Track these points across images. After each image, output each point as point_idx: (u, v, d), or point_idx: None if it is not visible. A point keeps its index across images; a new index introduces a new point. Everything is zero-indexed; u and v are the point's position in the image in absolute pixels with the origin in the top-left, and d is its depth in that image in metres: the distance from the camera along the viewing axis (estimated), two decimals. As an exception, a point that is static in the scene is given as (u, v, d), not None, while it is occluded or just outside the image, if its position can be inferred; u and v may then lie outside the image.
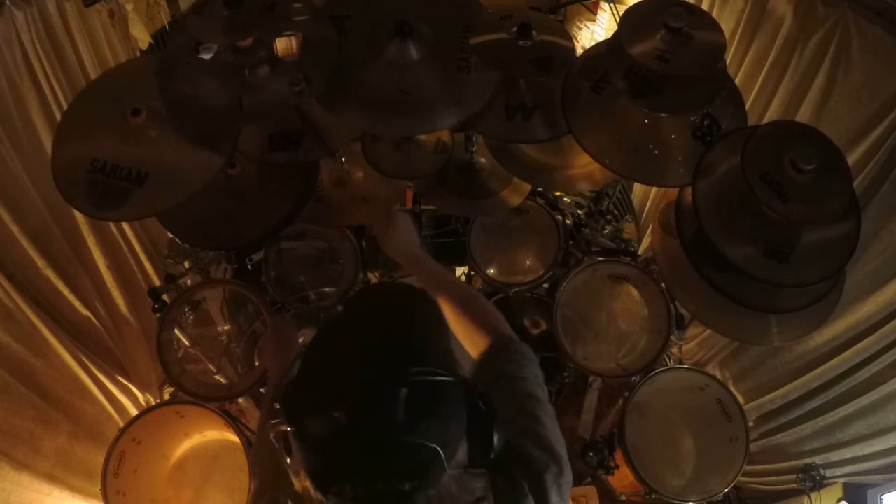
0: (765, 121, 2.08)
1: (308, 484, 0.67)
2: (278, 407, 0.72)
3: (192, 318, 2.26)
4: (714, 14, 2.17)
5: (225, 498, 2.31)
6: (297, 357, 0.78)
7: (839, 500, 2.15)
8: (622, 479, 2.32)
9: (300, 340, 1.45)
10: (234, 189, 1.81)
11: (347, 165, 2.14)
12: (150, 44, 2.54)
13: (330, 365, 0.69)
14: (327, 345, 0.73)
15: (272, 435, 0.73)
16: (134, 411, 2.64)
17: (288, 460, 0.75)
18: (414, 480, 0.64)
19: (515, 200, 2.17)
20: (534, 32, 1.62)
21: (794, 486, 2.29)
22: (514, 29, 1.62)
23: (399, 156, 2.03)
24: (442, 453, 0.64)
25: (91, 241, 2.37)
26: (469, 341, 1.02)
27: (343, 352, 0.70)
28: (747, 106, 1.77)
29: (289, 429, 0.67)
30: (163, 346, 2.04)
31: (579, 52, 1.73)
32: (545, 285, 2.50)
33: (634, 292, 2.33)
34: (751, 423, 2.25)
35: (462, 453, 0.69)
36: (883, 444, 2.02)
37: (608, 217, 2.59)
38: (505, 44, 1.63)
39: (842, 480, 2.18)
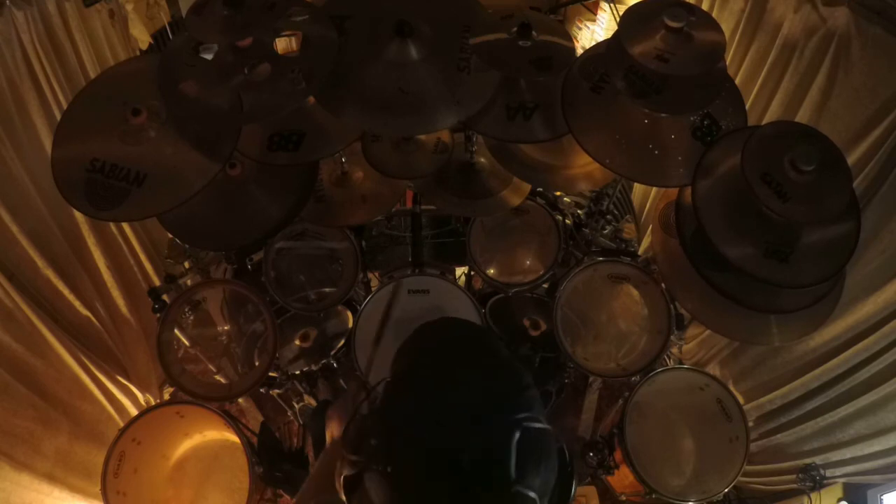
0: (765, 121, 2.08)
1: None
2: (356, 441, 0.68)
3: (192, 318, 2.25)
4: (714, 14, 2.17)
5: (225, 498, 2.31)
6: (378, 385, 0.73)
7: (839, 500, 2.15)
8: (622, 479, 2.32)
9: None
10: (235, 189, 1.81)
11: (347, 165, 2.14)
12: (150, 44, 2.54)
13: (434, 402, 0.64)
14: (427, 379, 0.68)
15: (341, 468, 0.68)
16: (134, 411, 2.64)
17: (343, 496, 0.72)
18: None
19: (515, 200, 2.17)
20: (534, 32, 1.62)
21: (794, 486, 2.29)
22: (514, 29, 1.62)
23: (399, 156, 2.02)
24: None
25: (91, 241, 2.37)
26: None
27: (453, 389, 0.65)
28: (747, 106, 1.77)
29: (380, 467, 0.63)
30: (163, 346, 2.04)
31: (579, 52, 1.73)
32: (545, 285, 2.50)
33: (634, 292, 2.33)
34: (751, 423, 2.25)
35: None
36: (883, 444, 2.02)
37: (608, 217, 2.58)
38: (505, 44, 1.63)
39: (842, 480, 2.18)
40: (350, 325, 2.40)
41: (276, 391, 2.48)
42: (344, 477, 0.70)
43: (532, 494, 0.61)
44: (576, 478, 0.73)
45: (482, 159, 2.19)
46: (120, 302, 2.58)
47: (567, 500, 0.72)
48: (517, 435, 0.61)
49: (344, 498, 0.74)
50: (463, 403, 0.64)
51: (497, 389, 0.66)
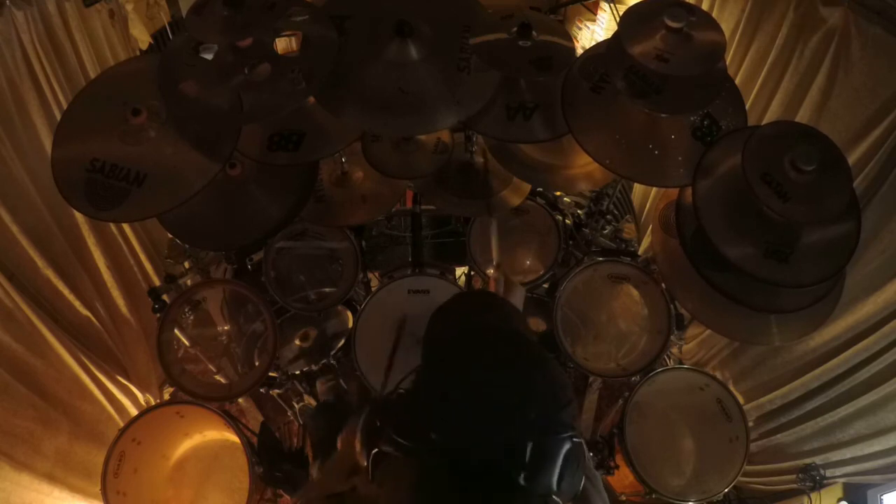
0: (765, 121, 2.08)
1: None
2: (386, 426, 0.69)
3: (192, 318, 2.25)
4: (714, 14, 2.17)
5: (225, 498, 2.31)
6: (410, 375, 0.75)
7: (839, 500, 2.15)
8: (622, 479, 2.32)
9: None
10: (235, 189, 1.81)
11: (347, 165, 2.14)
12: (150, 44, 2.54)
13: (488, 413, 0.66)
14: (480, 389, 0.68)
15: (377, 442, 0.70)
16: (134, 411, 2.64)
17: (369, 470, 0.74)
18: None
19: (515, 200, 2.17)
20: (534, 32, 1.62)
21: (794, 486, 2.29)
22: (514, 29, 1.62)
23: (399, 156, 2.02)
24: None
25: (91, 241, 2.37)
26: None
27: (503, 397, 0.67)
28: (747, 106, 1.77)
29: (435, 461, 0.65)
30: (163, 346, 2.04)
31: (579, 52, 1.73)
32: (545, 285, 2.50)
33: (634, 292, 2.33)
34: (751, 423, 2.25)
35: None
36: (883, 444, 2.02)
37: (608, 217, 2.58)
38: (505, 44, 1.63)
39: (842, 480, 2.18)
40: (350, 325, 2.40)
41: (276, 391, 2.48)
42: (377, 452, 0.71)
43: (560, 500, 0.65)
44: (584, 476, 0.75)
45: (482, 159, 2.19)
46: (120, 302, 2.58)
47: (577, 495, 0.73)
48: (566, 448, 0.65)
49: (367, 467, 0.74)
50: (521, 414, 0.66)
51: (553, 402, 0.69)
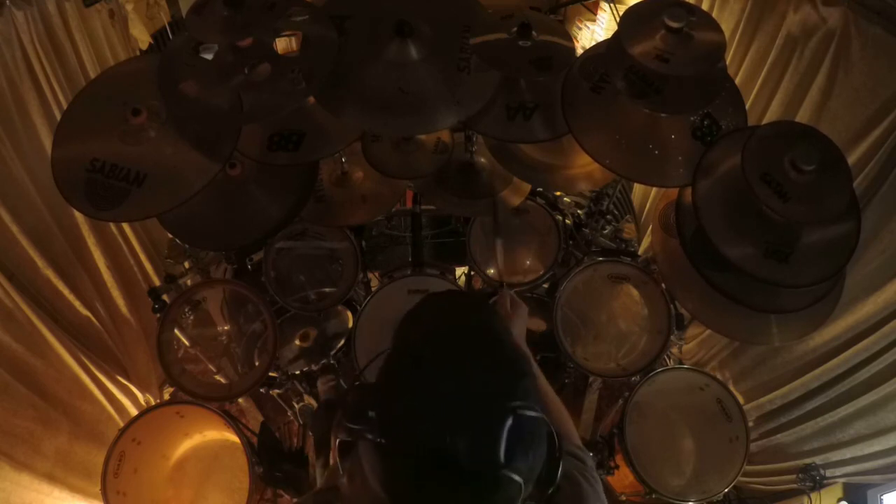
0: (765, 121, 2.08)
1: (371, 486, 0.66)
2: (354, 410, 0.69)
3: (192, 318, 2.25)
4: (714, 14, 2.17)
5: (225, 498, 2.31)
6: (377, 358, 0.76)
7: (839, 500, 2.15)
8: (622, 479, 2.32)
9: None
10: (235, 189, 1.81)
11: (347, 165, 2.14)
12: (150, 44, 2.54)
13: (434, 383, 0.66)
14: (430, 360, 0.69)
15: (337, 432, 0.71)
16: (134, 411, 2.64)
17: (336, 460, 0.74)
18: None
19: (515, 200, 2.17)
20: (534, 32, 1.62)
21: (794, 486, 2.29)
22: (514, 29, 1.62)
23: (399, 156, 2.02)
24: (522, 489, 0.64)
25: (91, 241, 2.37)
26: None
27: (448, 371, 0.67)
28: (747, 106, 1.76)
29: (376, 439, 0.66)
30: (163, 346, 2.04)
31: (579, 52, 1.73)
32: (545, 285, 2.50)
33: (634, 292, 2.33)
34: (751, 423, 2.25)
35: (529, 488, 0.68)
36: (883, 444, 2.02)
37: (608, 217, 2.58)
38: (505, 44, 1.63)
39: (842, 480, 2.18)
40: (350, 325, 2.40)
41: (276, 391, 2.48)
42: (339, 442, 0.71)
43: (518, 478, 0.63)
44: (564, 460, 0.74)
45: (482, 159, 2.19)
46: (120, 302, 2.58)
47: (553, 481, 0.73)
48: (509, 421, 0.64)
49: (338, 462, 0.75)
50: (460, 389, 0.66)
51: (495, 377, 0.68)
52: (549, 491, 0.73)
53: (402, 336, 0.77)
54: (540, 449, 0.68)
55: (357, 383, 0.77)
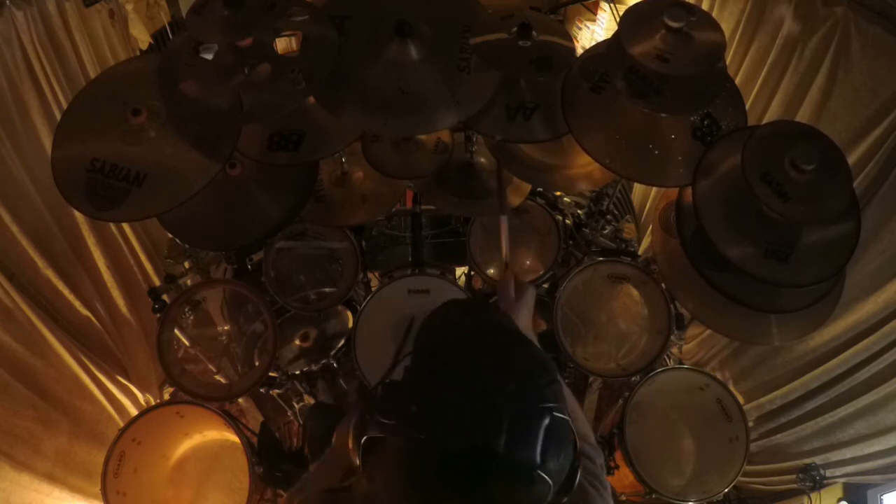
0: (765, 121, 2.08)
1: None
2: (386, 407, 0.70)
3: (192, 318, 2.25)
4: (714, 14, 2.17)
5: (225, 498, 2.31)
6: (401, 360, 0.77)
7: (839, 500, 2.15)
8: (622, 479, 2.32)
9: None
10: (235, 189, 1.81)
11: (347, 165, 2.14)
12: (150, 44, 2.54)
13: (472, 381, 0.67)
14: (464, 359, 0.71)
15: (362, 429, 0.71)
16: (134, 411, 2.64)
17: (357, 462, 0.74)
18: None
19: (515, 200, 2.17)
20: (534, 32, 1.62)
21: (794, 486, 2.29)
22: (514, 29, 1.62)
23: (399, 156, 2.02)
24: (552, 489, 0.65)
25: (91, 241, 2.37)
26: None
27: (485, 368, 0.69)
28: (747, 106, 1.76)
29: (414, 435, 0.66)
30: (163, 346, 2.04)
31: (579, 52, 1.73)
32: (545, 285, 2.50)
33: (634, 292, 2.33)
34: (751, 423, 2.25)
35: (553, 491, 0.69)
36: (883, 444, 2.02)
37: (608, 217, 2.58)
38: (505, 44, 1.63)
39: (842, 480, 2.18)
40: (350, 325, 2.40)
41: (276, 391, 2.48)
42: (366, 439, 0.71)
43: (548, 480, 0.64)
44: (581, 469, 0.75)
45: (482, 159, 2.19)
46: (120, 302, 2.58)
47: (571, 488, 0.73)
48: (546, 421, 0.65)
49: (358, 461, 0.75)
50: (499, 387, 0.66)
51: (531, 378, 0.69)
52: (566, 498, 0.73)
53: (429, 337, 0.77)
54: (568, 452, 0.68)
55: (386, 381, 0.77)
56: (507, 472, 0.63)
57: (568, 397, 1.17)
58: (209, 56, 1.47)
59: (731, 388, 2.23)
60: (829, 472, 2.20)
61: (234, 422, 2.07)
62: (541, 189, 2.43)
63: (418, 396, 0.69)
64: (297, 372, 2.39)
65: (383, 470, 0.70)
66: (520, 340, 0.75)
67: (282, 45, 1.58)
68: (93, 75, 2.13)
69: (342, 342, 2.41)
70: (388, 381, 0.78)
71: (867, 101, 1.74)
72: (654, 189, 2.76)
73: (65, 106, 1.99)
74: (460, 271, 2.72)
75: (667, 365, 2.33)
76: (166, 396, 2.91)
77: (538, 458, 0.63)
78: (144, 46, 2.52)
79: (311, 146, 1.74)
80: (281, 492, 2.36)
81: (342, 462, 0.91)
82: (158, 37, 2.64)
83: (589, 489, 0.95)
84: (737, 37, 2.18)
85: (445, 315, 0.81)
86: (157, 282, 2.70)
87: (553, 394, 0.68)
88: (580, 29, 3.16)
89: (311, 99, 1.60)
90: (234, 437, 2.09)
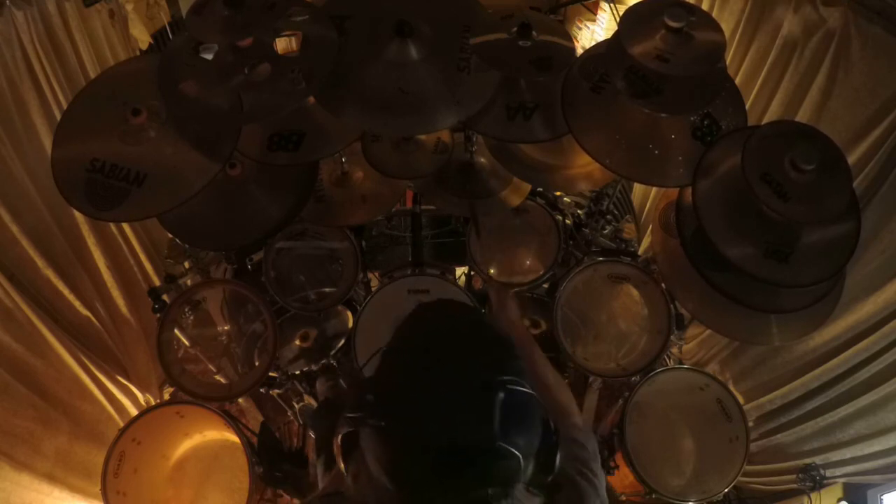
0: (765, 121, 2.08)
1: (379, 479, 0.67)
2: (353, 401, 0.72)
3: (192, 318, 2.25)
4: (714, 14, 2.17)
5: (225, 498, 2.31)
6: (375, 355, 0.79)
7: (839, 500, 2.15)
8: (622, 479, 2.32)
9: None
10: (235, 189, 1.81)
11: (347, 165, 2.14)
12: (150, 44, 2.54)
13: (426, 366, 0.69)
14: (421, 347, 0.73)
15: (339, 428, 0.72)
16: (134, 411, 2.64)
17: (341, 464, 0.75)
18: (497, 486, 0.64)
19: (515, 200, 2.17)
20: (534, 32, 1.62)
21: (794, 486, 2.29)
22: (514, 29, 1.62)
23: (399, 156, 2.02)
24: (522, 464, 0.65)
25: (91, 241, 2.37)
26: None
27: (439, 355, 0.71)
28: (747, 106, 1.76)
29: (376, 423, 0.67)
30: (163, 346, 2.04)
31: (579, 52, 1.73)
32: (545, 285, 2.50)
33: (634, 292, 2.32)
34: (751, 423, 2.25)
35: (530, 470, 0.69)
36: (883, 444, 2.02)
37: (608, 217, 2.58)
38: (505, 44, 1.63)
39: (842, 480, 2.18)
40: (350, 325, 2.40)
41: (276, 391, 2.48)
42: (341, 437, 0.72)
43: (516, 452, 0.65)
44: (561, 449, 0.74)
45: (482, 159, 2.19)
46: (120, 302, 2.58)
47: (551, 469, 0.73)
48: (501, 395, 0.66)
49: (341, 463, 0.76)
50: (453, 370, 0.69)
51: (484, 357, 0.71)
52: (550, 477, 0.73)
53: (396, 334, 0.79)
54: (535, 425, 0.69)
55: (356, 379, 0.79)
56: (469, 450, 0.64)
57: (553, 385, 1.17)
58: (209, 56, 1.47)
59: (731, 388, 2.23)
60: (829, 472, 2.20)
61: (234, 422, 2.07)
62: (541, 189, 2.43)
63: (378, 386, 0.71)
64: (297, 372, 2.39)
65: (364, 467, 0.71)
66: (478, 325, 0.77)
67: (282, 45, 1.58)
68: (93, 75, 2.13)
69: (342, 342, 2.41)
70: (357, 379, 0.80)
71: (867, 101, 1.74)
72: (654, 189, 2.76)
73: (65, 106, 1.99)
74: (460, 271, 2.72)
75: (667, 365, 2.33)
76: (166, 396, 2.91)
77: (497, 431, 0.64)
78: (144, 46, 2.52)
79: (311, 146, 1.74)
80: (281, 492, 2.36)
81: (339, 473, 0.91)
82: (158, 37, 2.64)
83: (580, 482, 0.94)
84: (737, 37, 2.18)
85: (413, 314, 0.82)
86: (157, 282, 2.70)
87: (512, 369, 0.70)
88: (580, 29, 3.16)
89: (311, 99, 1.60)
90: (234, 437, 2.09)
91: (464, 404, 0.65)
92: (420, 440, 0.65)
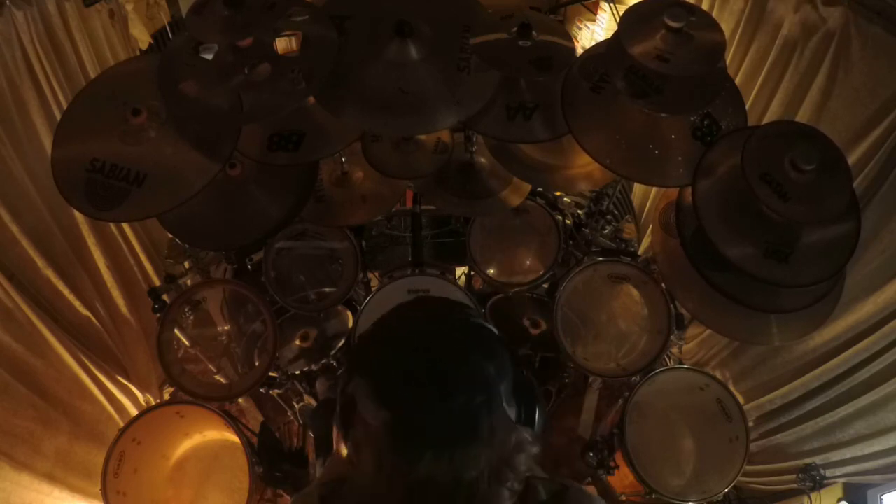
0: (765, 121, 2.08)
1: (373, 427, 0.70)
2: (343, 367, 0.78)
3: (192, 318, 2.26)
4: (714, 14, 2.17)
5: (225, 498, 2.31)
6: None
7: (839, 500, 2.15)
8: (622, 479, 2.32)
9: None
10: (235, 189, 1.81)
11: (347, 165, 2.14)
12: (150, 44, 2.54)
13: (399, 324, 0.79)
14: (394, 317, 0.81)
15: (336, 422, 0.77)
16: (134, 411, 2.64)
17: (342, 443, 0.79)
18: (481, 395, 0.69)
19: (515, 200, 2.17)
20: (534, 32, 1.62)
21: (794, 486, 2.29)
22: (514, 29, 1.62)
23: (399, 156, 2.02)
24: (498, 382, 0.70)
25: (91, 241, 2.37)
26: None
27: (410, 318, 0.80)
28: (747, 106, 1.76)
29: (366, 366, 0.74)
30: (163, 346, 2.04)
31: (579, 52, 1.73)
32: (545, 285, 2.50)
33: (634, 292, 2.32)
34: (751, 423, 2.25)
35: (513, 412, 0.73)
36: (883, 444, 2.02)
37: (608, 217, 2.58)
38: (505, 44, 1.63)
39: (842, 480, 2.18)
40: (350, 325, 2.40)
41: (276, 391, 2.48)
42: (339, 410, 0.76)
43: (488, 367, 0.71)
44: (541, 407, 0.79)
45: (482, 159, 2.19)
46: (120, 302, 2.58)
47: (533, 419, 0.76)
48: (462, 321, 0.76)
49: (342, 442, 0.78)
50: (428, 312, 0.80)
51: (461, 310, 0.80)
52: (535, 429, 0.77)
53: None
54: (498, 347, 0.75)
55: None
56: (442, 360, 0.71)
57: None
58: (209, 56, 1.47)
59: (731, 388, 2.23)
60: (829, 472, 2.20)
61: (234, 422, 2.07)
62: (541, 189, 2.43)
63: (358, 346, 0.79)
64: (297, 372, 2.39)
65: (363, 431, 0.73)
66: (458, 307, 0.83)
67: (282, 45, 1.58)
68: (93, 75, 2.13)
69: (342, 342, 2.41)
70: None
71: (867, 101, 1.74)
72: (654, 189, 2.76)
73: (65, 106, 1.98)
74: (460, 271, 2.72)
75: (667, 365, 2.33)
76: (166, 396, 2.91)
77: (464, 348, 0.72)
78: (144, 46, 2.52)
79: (311, 146, 1.74)
80: (281, 492, 2.36)
81: (339, 461, 0.91)
82: (158, 37, 2.64)
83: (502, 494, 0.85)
84: (737, 37, 2.18)
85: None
86: (157, 282, 2.69)
87: (471, 314, 0.78)
88: (580, 29, 3.16)
89: (311, 99, 1.60)
90: (234, 437, 2.09)
91: (437, 333, 0.74)
92: (402, 366, 0.71)
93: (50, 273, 2.20)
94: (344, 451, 0.79)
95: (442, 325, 0.76)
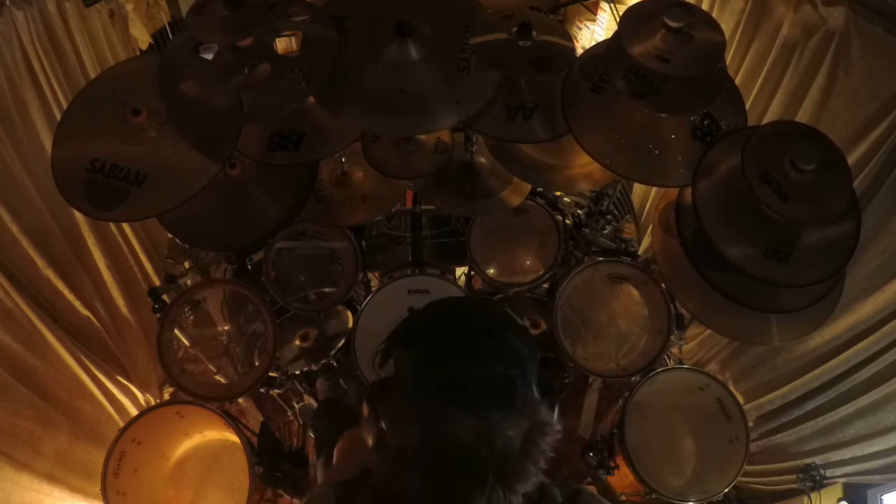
0: (765, 121, 2.08)
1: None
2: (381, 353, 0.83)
3: (192, 318, 2.26)
4: (714, 14, 2.17)
5: (225, 498, 2.31)
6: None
7: (839, 500, 2.15)
8: (622, 479, 2.32)
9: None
10: (235, 189, 1.81)
11: (347, 165, 2.14)
12: (150, 44, 2.54)
13: (443, 308, 0.85)
14: (439, 303, 0.86)
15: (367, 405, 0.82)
16: (134, 411, 2.64)
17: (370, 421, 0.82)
18: (517, 368, 0.75)
19: (515, 200, 2.17)
20: (534, 32, 1.62)
21: (794, 486, 2.29)
22: (514, 29, 1.62)
23: (399, 156, 2.02)
24: (530, 363, 0.76)
25: (91, 241, 2.37)
26: None
27: (453, 303, 0.88)
28: (747, 106, 1.76)
29: (411, 349, 0.79)
30: (163, 346, 2.04)
31: (579, 52, 1.73)
32: (545, 285, 2.50)
33: (634, 292, 2.32)
34: (751, 423, 2.25)
35: (538, 395, 0.77)
36: (883, 444, 2.02)
37: (608, 217, 2.58)
38: (505, 44, 1.63)
39: (842, 480, 2.18)
40: (350, 325, 2.40)
41: (276, 391, 2.48)
42: (376, 385, 0.80)
43: (519, 348, 0.77)
44: (556, 399, 0.83)
45: (482, 159, 2.19)
46: (120, 302, 2.58)
47: (552, 409, 0.80)
48: (496, 313, 0.84)
49: (371, 429, 0.82)
50: (463, 310, 0.86)
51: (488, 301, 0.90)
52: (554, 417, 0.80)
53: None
54: (528, 338, 0.80)
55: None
56: (483, 337, 0.77)
57: None
58: (209, 56, 1.47)
59: (731, 388, 2.23)
60: (829, 472, 2.20)
61: (234, 422, 2.07)
62: (541, 189, 2.43)
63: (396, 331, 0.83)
64: (297, 372, 2.39)
65: (393, 408, 0.78)
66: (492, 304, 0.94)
67: (282, 45, 1.58)
68: (93, 75, 2.13)
69: (342, 342, 2.41)
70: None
71: (867, 101, 1.74)
72: (654, 189, 2.76)
73: (65, 106, 1.98)
74: (460, 271, 2.72)
75: (667, 365, 2.33)
76: (166, 396, 2.91)
77: (498, 330, 0.78)
78: (144, 46, 2.52)
79: (311, 146, 1.74)
80: (281, 492, 2.36)
81: (353, 462, 0.92)
82: (158, 37, 2.64)
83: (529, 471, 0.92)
84: (737, 37, 2.18)
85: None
86: (157, 282, 2.70)
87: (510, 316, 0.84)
88: (580, 29, 3.16)
89: (311, 99, 1.60)
90: (234, 437, 2.09)
91: (479, 314, 0.83)
92: (450, 334, 0.78)
93: (50, 273, 2.20)
94: (370, 440, 0.83)
95: (483, 308, 0.86)
